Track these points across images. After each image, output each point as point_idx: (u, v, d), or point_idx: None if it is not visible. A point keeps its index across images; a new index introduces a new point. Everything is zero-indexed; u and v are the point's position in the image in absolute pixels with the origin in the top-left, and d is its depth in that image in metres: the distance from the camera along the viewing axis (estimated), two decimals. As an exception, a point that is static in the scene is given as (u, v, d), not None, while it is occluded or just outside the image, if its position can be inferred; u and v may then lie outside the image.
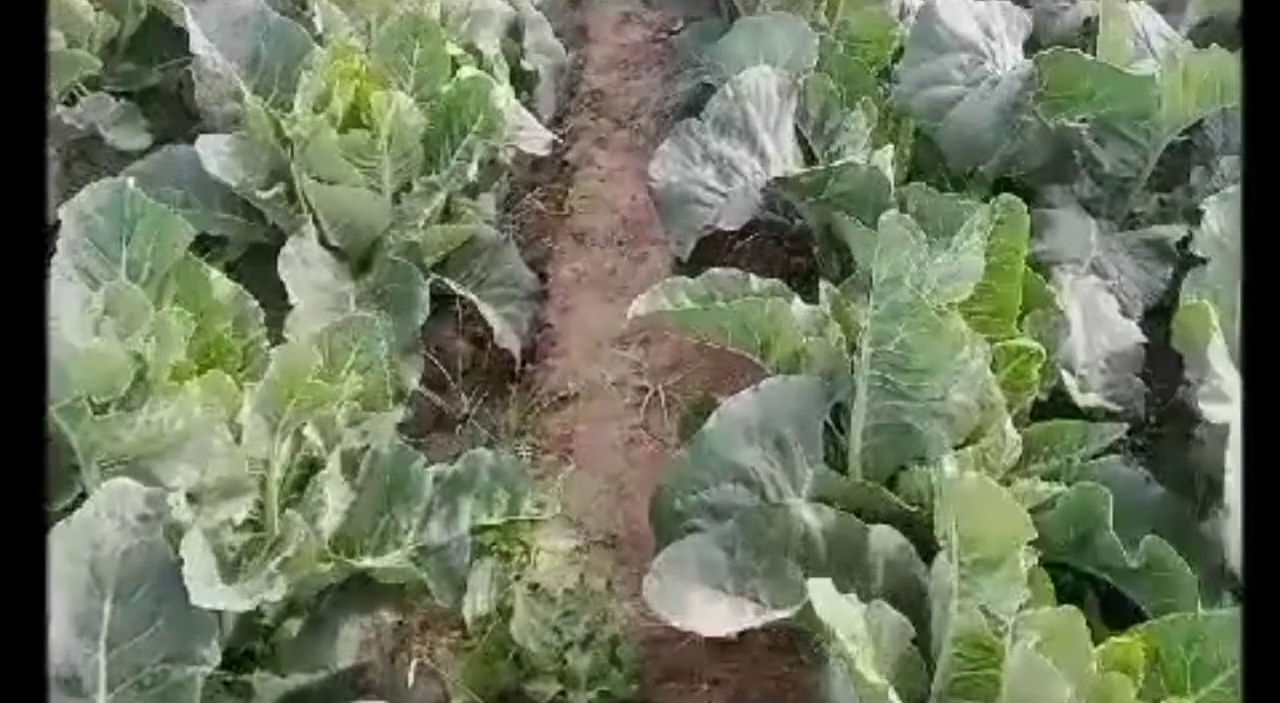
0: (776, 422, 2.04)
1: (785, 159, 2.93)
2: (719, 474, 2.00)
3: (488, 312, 3.01)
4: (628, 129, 4.27)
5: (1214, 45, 2.99)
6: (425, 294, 2.70)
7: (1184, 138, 3.19)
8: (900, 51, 3.74)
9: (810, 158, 3.16)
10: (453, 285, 2.95)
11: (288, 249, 2.64)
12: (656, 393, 2.92)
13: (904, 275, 1.90)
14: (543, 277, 3.43)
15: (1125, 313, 2.79)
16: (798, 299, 2.27)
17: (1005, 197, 2.21)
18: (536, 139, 3.21)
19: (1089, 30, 4.16)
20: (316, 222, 2.83)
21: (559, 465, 2.73)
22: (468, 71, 3.04)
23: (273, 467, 1.82)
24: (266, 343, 2.16)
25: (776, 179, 2.75)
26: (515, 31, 4.07)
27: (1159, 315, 2.98)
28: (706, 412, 2.49)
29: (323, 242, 2.84)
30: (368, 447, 2.02)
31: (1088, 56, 2.84)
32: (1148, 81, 2.91)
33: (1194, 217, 3.24)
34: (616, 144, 4.15)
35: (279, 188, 2.76)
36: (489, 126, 2.89)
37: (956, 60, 3.08)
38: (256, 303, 2.23)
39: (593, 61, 4.69)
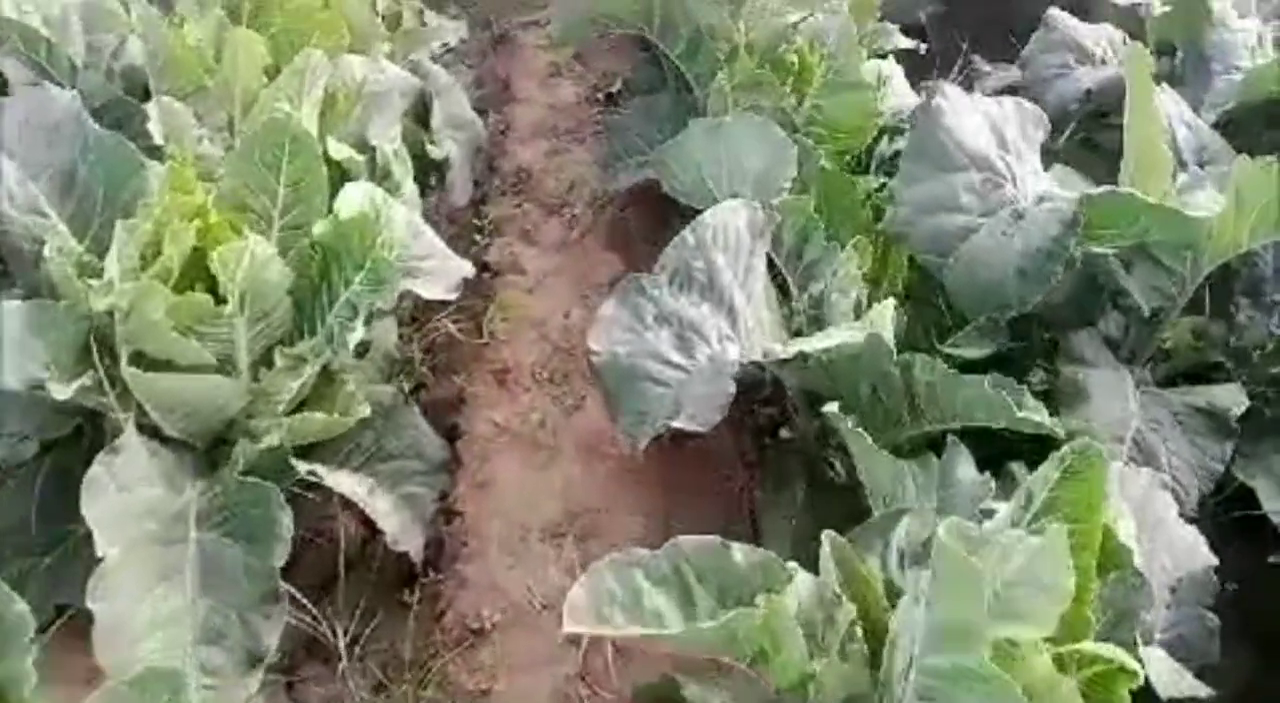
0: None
1: (758, 314, 2.31)
2: None
3: (379, 503, 2.34)
4: (560, 217, 3.60)
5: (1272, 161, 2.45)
6: (287, 522, 2.02)
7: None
8: (881, 134, 3.20)
9: (784, 291, 2.56)
10: (327, 477, 2.25)
11: (96, 471, 1.94)
12: (600, 619, 2.27)
13: (976, 629, 1.28)
14: (453, 430, 2.77)
15: (1181, 509, 2.23)
16: (800, 576, 1.64)
17: (1080, 443, 1.60)
18: (444, 276, 2.52)
19: (1087, 100, 3.73)
20: (145, 411, 2.13)
21: (471, 741, 2.08)
22: (352, 196, 2.34)
23: None
24: (35, 677, 1.48)
25: (754, 363, 2.13)
26: (422, 106, 3.39)
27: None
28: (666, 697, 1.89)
29: (155, 433, 2.15)
30: None
31: (1144, 197, 2.26)
32: (1203, 221, 2.35)
33: (1237, 357, 2.75)
34: (547, 239, 3.48)
35: (88, 378, 2.05)
36: (377, 279, 2.21)
37: (967, 180, 2.48)
38: (25, 607, 1.54)
39: (516, 129, 4.00)
